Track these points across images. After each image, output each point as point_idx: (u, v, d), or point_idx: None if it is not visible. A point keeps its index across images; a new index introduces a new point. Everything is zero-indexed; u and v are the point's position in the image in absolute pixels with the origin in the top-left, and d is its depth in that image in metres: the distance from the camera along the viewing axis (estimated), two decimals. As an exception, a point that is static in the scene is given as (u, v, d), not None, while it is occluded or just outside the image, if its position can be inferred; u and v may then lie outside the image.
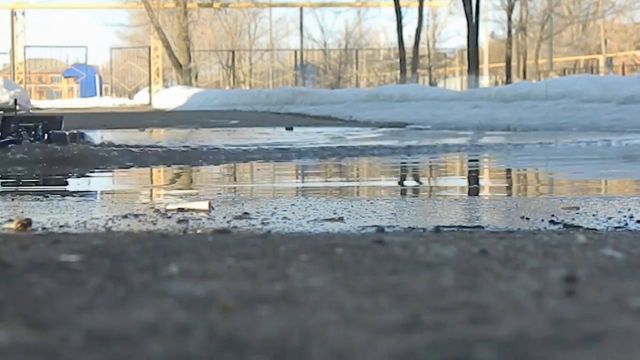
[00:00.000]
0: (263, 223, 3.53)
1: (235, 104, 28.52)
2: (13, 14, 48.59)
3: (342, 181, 6.23)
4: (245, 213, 3.86)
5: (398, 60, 32.38)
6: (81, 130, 9.03)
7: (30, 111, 29.04)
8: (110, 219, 3.63)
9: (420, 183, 6.35)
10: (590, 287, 1.70)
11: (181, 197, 4.83)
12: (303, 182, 6.40)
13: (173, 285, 1.71)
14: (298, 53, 49.54)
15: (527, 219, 3.62)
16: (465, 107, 17.92)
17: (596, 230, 3.07)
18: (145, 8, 40.60)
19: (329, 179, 6.42)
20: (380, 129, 14.37)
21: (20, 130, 8.35)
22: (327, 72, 49.73)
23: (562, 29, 44.20)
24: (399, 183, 6.37)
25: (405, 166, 7.63)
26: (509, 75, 33.79)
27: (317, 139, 11.41)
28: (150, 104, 40.95)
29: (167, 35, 40.46)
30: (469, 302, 1.56)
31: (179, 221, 3.56)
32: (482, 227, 3.32)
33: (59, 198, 4.68)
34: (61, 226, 3.46)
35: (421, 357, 1.21)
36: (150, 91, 45.02)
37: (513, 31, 36.21)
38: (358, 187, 5.79)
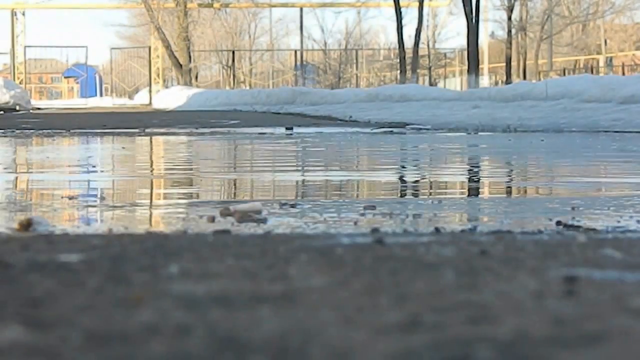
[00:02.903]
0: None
1: (235, 104, 28.52)
2: (13, 14, 48.59)
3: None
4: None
5: (398, 60, 32.36)
6: None
7: (31, 111, 29.06)
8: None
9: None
10: (590, 287, 1.70)
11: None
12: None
13: (173, 285, 1.71)
14: (298, 53, 49.53)
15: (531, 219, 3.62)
16: (465, 107, 17.90)
17: (596, 230, 3.07)
18: (145, 8, 40.60)
19: None
20: (381, 129, 14.37)
21: None
22: (327, 72, 49.71)
23: (562, 29, 44.19)
24: None
25: None
26: (509, 75, 33.76)
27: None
28: (150, 104, 40.97)
29: (167, 35, 40.46)
30: (469, 302, 1.56)
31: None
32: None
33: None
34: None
35: (421, 357, 1.21)
36: (150, 91, 45.05)
37: (513, 31, 36.19)
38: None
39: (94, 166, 6.74)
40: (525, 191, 4.92)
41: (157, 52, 46.58)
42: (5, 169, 6.61)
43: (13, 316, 1.45)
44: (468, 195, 4.67)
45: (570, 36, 47.87)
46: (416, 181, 5.59)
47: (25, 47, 48.71)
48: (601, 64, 43.58)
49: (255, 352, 1.23)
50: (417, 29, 31.27)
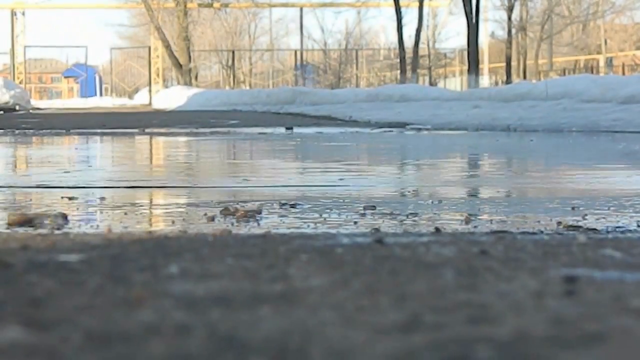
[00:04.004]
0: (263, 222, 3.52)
1: (235, 104, 28.50)
2: (13, 14, 48.59)
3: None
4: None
5: (398, 60, 32.35)
6: None
7: (30, 111, 29.05)
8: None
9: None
10: (590, 287, 1.70)
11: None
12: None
13: (173, 285, 1.71)
14: (298, 53, 49.53)
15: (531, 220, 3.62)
16: (465, 107, 17.88)
17: (596, 230, 3.07)
18: (145, 8, 40.57)
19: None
20: (381, 128, 14.38)
21: None
22: (327, 72, 49.70)
23: (562, 29, 44.20)
24: None
25: None
26: (509, 75, 33.76)
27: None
28: (150, 104, 40.97)
29: (167, 35, 40.43)
30: (469, 302, 1.56)
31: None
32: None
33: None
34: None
35: (421, 357, 1.21)
36: (150, 91, 45.05)
37: (513, 31, 36.20)
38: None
39: (90, 165, 6.74)
40: (525, 191, 4.93)
41: (157, 52, 46.59)
42: (4, 167, 6.61)
43: (13, 316, 1.45)
44: (468, 195, 4.67)
45: (570, 36, 47.88)
46: (416, 181, 5.59)
47: (25, 47, 48.71)
48: (601, 64, 43.56)
49: (255, 352, 1.23)
50: (417, 29, 31.26)
